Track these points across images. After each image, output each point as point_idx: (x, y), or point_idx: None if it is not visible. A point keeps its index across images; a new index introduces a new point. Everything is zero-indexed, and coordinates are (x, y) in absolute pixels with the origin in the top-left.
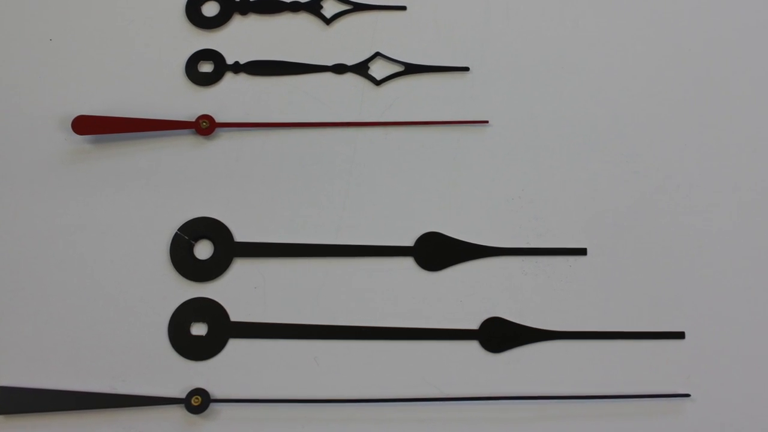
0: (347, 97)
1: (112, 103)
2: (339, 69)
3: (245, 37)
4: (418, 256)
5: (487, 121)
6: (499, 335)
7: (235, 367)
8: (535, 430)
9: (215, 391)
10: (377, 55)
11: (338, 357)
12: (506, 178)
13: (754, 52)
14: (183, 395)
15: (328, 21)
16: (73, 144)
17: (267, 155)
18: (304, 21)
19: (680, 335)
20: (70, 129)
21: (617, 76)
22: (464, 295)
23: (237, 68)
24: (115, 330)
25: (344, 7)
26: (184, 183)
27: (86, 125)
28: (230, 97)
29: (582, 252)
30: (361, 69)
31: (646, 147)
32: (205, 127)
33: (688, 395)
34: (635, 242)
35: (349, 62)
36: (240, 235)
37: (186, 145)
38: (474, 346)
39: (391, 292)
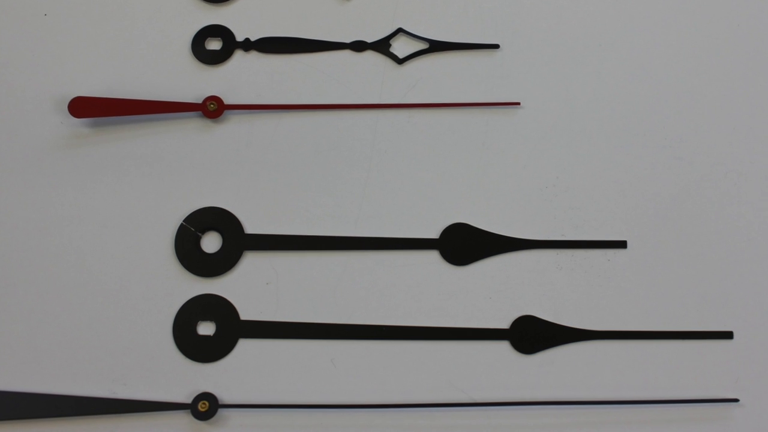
0: (367, 76)
1: (112, 83)
2: (358, 46)
3: (256, 11)
4: (444, 250)
5: (518, 103)
6: (532, 335)
7: (245, 369)
8: None
9: (224, 396)
10: (399, 31)
11: (357, 359)
12: (539, 165)
13: None
14: (189, 400)
15: None
16: (69, 128)
17: (280, 140)
18: None
19: (728, 335)
20: (67, 111)
21: (660, 53)
22: (494, 291)
23: (247, 45)
24: (115, 330)
25: None
26: (190, 170)
27: (84, 107)
28: (240, 77)
29: (622, 245)
30: (382, 46)
31: (691, 131)
32: (212, 109)
33: (736, 400)
34: (679, 234)
35: (369, 39)
36: (251, 227)
37: (192, 128)
38: (504, 346)
39: (414, 289)
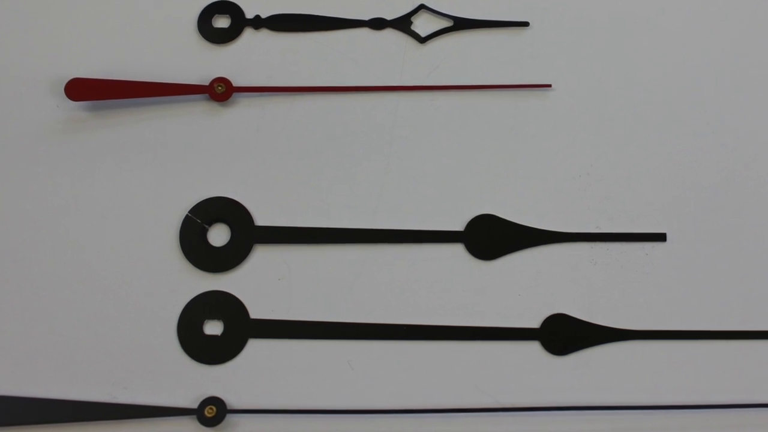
0: (387, 56)
1: (112, 64)
2: (377, 24)
3: None
4: (470, 243)
5: (549, 85)
6: (564, 335)
7: (255, 372)
8: None
9: (232, 401)
10: (422, 7)
11: (375, 360)
12: (572, 152)
13: None
14: (195, 405)
15: None
16: (66, 111)
17: (293, 125)
18: None
19: None
20: (63, 94)
21: (701, 31)
22: (523, 288)
23: (258, 23)
24: (115, 329)
25: None
26: (196, 157)
27: (82, 90)
28: (250, 57)
29: (661, 238)
30: (403, 24)
31: (735, 115)
32: (220, 91)
33: None
34: (722, 226)
35: (389, 16)
36: (261, 218)
37: (198, 112)
38: (534, 347)
39: (437, 285)
